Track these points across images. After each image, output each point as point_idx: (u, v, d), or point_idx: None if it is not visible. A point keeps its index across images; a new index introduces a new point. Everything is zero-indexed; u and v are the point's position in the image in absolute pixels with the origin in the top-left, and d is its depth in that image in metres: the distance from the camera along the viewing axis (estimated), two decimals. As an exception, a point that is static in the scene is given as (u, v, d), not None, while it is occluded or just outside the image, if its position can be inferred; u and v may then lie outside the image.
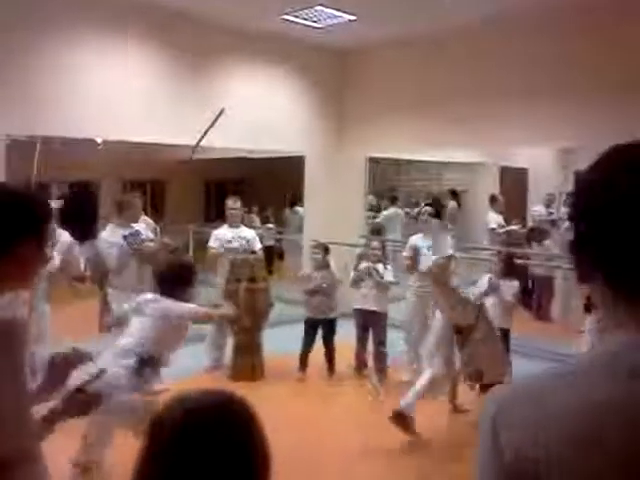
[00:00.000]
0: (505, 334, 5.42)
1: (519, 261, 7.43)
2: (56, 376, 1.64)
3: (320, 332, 6.06)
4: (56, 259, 4.73)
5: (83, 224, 9.30)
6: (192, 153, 5.71)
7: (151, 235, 5.58)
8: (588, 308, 4.84)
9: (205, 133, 5.33)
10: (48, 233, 1.60)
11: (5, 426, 1.35)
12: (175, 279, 3.93)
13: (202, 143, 6.25)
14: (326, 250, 6.10)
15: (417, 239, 5.90)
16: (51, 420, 1.58)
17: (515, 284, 5.45)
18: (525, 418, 0.82)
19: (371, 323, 6.03)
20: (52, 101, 5.99)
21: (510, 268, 5.57)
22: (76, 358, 1.68)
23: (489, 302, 5.46)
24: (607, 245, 0.83)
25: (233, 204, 6.27)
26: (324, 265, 6.04)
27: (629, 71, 5.94)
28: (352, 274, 6.06)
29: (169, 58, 6.92)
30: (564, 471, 0.78)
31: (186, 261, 4.17)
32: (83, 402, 1.68)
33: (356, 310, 6.09)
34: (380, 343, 6.06)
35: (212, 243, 6.17)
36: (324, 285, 5.95)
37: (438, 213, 5.89)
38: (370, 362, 6.10)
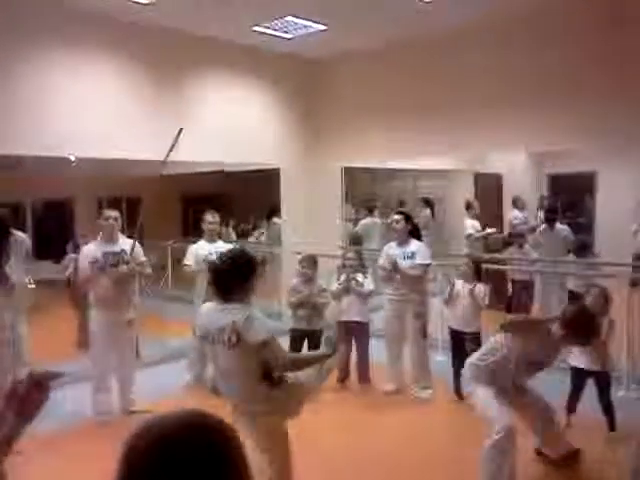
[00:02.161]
0: (475, 338, 5.44)
1: (496, 266, 7.49)
2: (22, 403, 1.54)
3: (306, 344, 6.03)
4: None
5: (58, 242, 9.21)
6: (160, 171, 5.67)
7: (140, 258, 5.51)
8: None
9: (167, 155, 5.32)
10: (3, 251, 1.54)
11: None
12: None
13: (176, 158, 6.22)
14: (314, 263, 6.08)
15: (392, 248, 5.89)
16: (5, 440, 1.49)
17: (481, 288, 5.48)
18: None
19: (354, 333, 6.02)
20: (24, 120, 5.90)
21: (477, 272, 5.61)
22: (44, 380, 1.54)
23: (460, 306, 5.51)
24: None
25: (212, 219, 6.21)
26: (312, 278, 6.01)
27: (601, 77, 6.03)
28: (334, 287, 6.05)
29: (141, 72, 6.87)
30: None
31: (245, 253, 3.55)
32: (30, 394, 1.51)
33: (339, 322, 6.07)
34: (363, 353, 6.06)
35: (187, 259, 6.10)
36: (314, 299, 5.91)
37: (408, 219, 5.87)
38: (353, 372, 6.09)
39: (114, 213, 5.42)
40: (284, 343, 6.11)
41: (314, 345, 5.99)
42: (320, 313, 5.98)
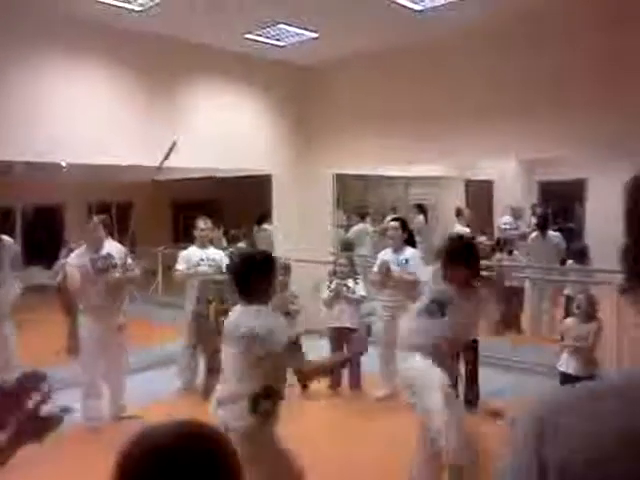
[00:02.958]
0: (473, 345, 5.46)
1: (486, 273, 7.51)
2: (7, 405, 1.55)
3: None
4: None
5: (48, 248, 9.18)
6: (154, 177, 5.68)
7: (128, 260, 5.50)
8: (567, 315, 4.91)
9: (161, 165, 5.33)
10: None
11: None
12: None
13: (167, 164, 6.21)
14: (287, 270, 6.08)
15: (386, 254, 5.91)
16: (2, 450, 1.49)
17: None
18: (577, 434, 0.79)
19: (346, 340, 6.02)
20: (15, 126, 5.88)
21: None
22: (29, 383, 1.54)
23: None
24: None
25: (204, 225, 6.22)
26: (283, 285, 6.01)
27: (591, 86, 6.07)
28: (325, 294, 6.05)
29: (133, 78, 6.86)
30: None
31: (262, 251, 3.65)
32: (38, 426, 1.53)
33: (330, 328, 6.07)
34: (355, 359, 6.05)
35: (179, 265, 6.10)
36: (286, 306, 5.90)
37: (404, 226, 5.89)
38: (345, 379, 6.10)
39: (98, 219, 5.44)
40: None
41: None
42: (292, 320, 5.97)
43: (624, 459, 0.74)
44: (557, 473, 0.78)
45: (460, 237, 4.42)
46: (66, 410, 1.58)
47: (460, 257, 3.87)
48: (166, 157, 5.32)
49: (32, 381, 1.54)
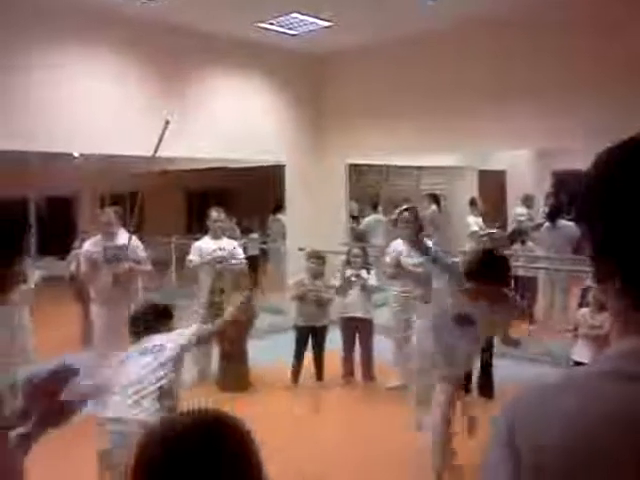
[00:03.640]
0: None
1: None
2: (35, 396, 1.55)
3: (310, 339, 6.04)
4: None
5: (61, 238, 9.22)
6: (151, 167, 5.67)
7: (140, 254, 5.52)
8: (582, 306, 4.88)
9: (156, 148, 5.29)
10: (22, 248, 1.54)
11: None
12: None
13: (179, 154, 6.18)
14: (322, 259, 6.09)
15: (397, 244, 5.88)
16: (27, 435, 1.51)
17: None
18: (532, 423, 0.82)
19: (358, 330, 6.02)
20: (28, 116, 5.92)
21: None
22: (61, 376, 1.56)
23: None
24: (629, 247, 0.80)
25: (217, 215, 6.22)
26: (320, 274, 6.02)
27: (606, 71, 6.01)
28: (338, 282, 6.05)
29: (144, 68, 6.87)
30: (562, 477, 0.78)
31: None
32: (59, 410, 1.56)
33: (342, 318, 6.07)
34: (367, 349, 6.06)
35: (192, 255, 6.11)
36: (311, 294, 5.92)
37: (417, 216, 5.84)
38: (357, 369, 6.10)
39: (111, 215, 5.46)
40: (287, 339, 6.16)
41: (318, 341, 6.02)
42: (324, 309, 5.99)
43: (589, 450, 0.77)
44: (530, 464, 0.80)
45: (490, 251, 4.23)
46: (85, 398, 1.60)
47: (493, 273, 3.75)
48: (160, 139, 5.25)
49: (64, 375, 1.56)
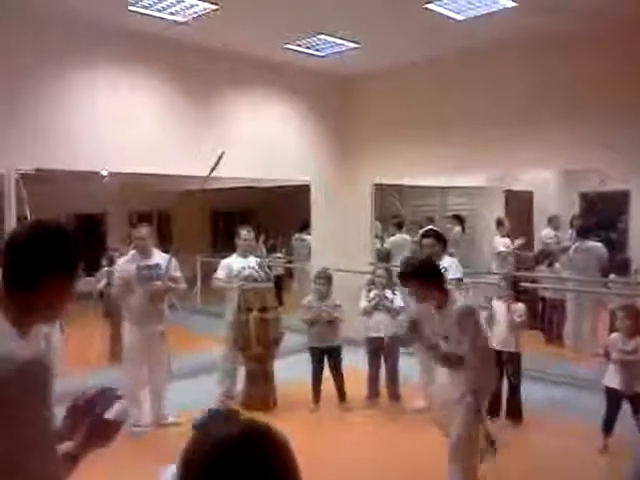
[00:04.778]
0: (515, 357, 5.39)
1: (527, 284, 7.40)
2: (78, 417, 1.59)
3: (326, 360, 6.02)
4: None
5: (90, 256, 9.34)
6: (202, 188, 5.77)
7: (176, 274, 5.56)
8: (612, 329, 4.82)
9: (208, 177, 5.41)
10: (78, 268, 1.59)
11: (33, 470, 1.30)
12: None
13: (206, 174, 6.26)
14: (328, 279, 6.08)
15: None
16: (74, 456, 1.53)
17: (520, 307, 5.43)
18: None
19: (383, 350, 5.99)
20: (59, 135, 6.03)
21: (515, 291, 5.56)
22: (104, 399, 1.61)
23: (497, 326, 5.44)
24: None
25: (247, 235, 6.27)
26: (326, 295, 6.01)
27: (635, 93, 5.97)
28: (363, 303, 6.03)
29: (174, 89, 6.97)
30: None
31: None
32: (105, 430, 1.60)
33: (368, 338, 6.05)
34: (393, 369, 6.02)
35: (219, 273, 6.15)
36: (324, 315, 5.90)
37: (439, 238, 5.83)
38: (383, 390, 6.06)
39: (145, 230, 5.50)
40: (307, 360, 6.14)
41: (333, 362, 5.99)
42: (335, 329, 5.96)
43: None
44: None
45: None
46: (126, 414, 1.62)
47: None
48: (213, 168, 5.38)
49: (106, 398, 1.59)
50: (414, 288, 3.90)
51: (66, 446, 1.51)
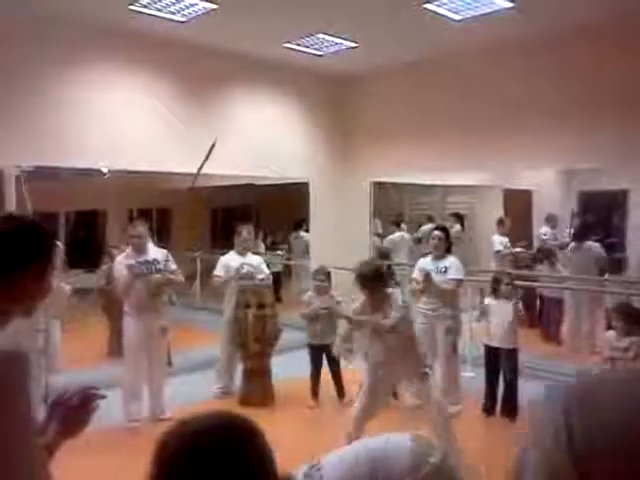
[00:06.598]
0: (512, 355, 5.43)
1: (525, 283, 7.43)
2: (55, 413, 1.58)
3: (325, 357, 6.04)
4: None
5: (90, 252, 9.36)
6: (192, 184, 5.77)
7: (172, 266, 5.59)
8: (609, 328, 4.85)
9: (201, 166, 5.40)
10: (53, 262, 1.60)
11: (16, 470, 1.27)
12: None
13: (205, 171, 6.29)
14: (327, 275, 6.10)
15: (426, 262, 5.90)
16: (50, 449, 1.51)
17: (514, 304, 5.47)
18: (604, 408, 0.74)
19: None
20: (59, 132, 6.07)
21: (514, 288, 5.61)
22: (87, 400, 1.59)
23: (493, 323, 5.49)
24: None
25: (247, 233, 6.29)
26: (325, 291, 6.03)
27: (634, 91, 5.99)
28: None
29: (172, 87, 7.01)
30: None
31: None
32: (74, 418, 1.58)
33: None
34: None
35: (218, 271, 6.18)
36: (323, 311, 5.92)
37: (447, 235, 5.88)
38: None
39: (141, 227, 5.53)
40: (305, 357, 6.16)
41: (332, 359, 6.00)
42: (334, 326, 5.99)
43: None
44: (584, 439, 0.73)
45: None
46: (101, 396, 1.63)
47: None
48: (206, 158, 5.37)
49: (89, 400, 1.60)
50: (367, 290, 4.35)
51: (42, 440, 1.50)
